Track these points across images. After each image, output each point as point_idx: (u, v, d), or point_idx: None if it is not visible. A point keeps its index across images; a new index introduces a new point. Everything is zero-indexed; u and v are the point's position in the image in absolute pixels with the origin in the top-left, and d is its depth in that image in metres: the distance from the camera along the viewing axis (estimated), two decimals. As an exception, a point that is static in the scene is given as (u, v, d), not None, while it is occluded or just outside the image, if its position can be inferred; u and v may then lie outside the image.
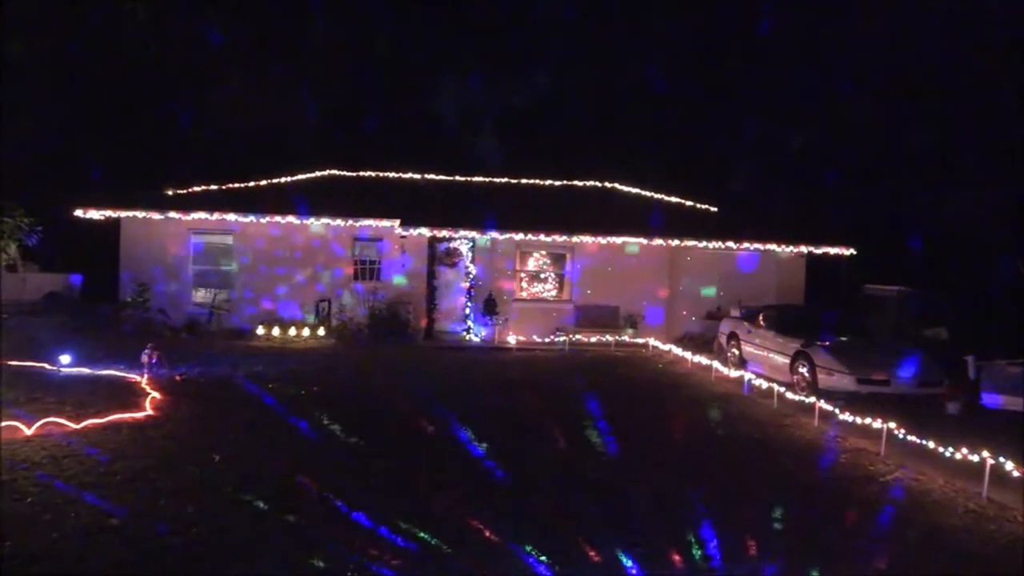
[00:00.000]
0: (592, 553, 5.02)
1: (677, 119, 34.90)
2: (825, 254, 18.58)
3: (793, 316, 13.89)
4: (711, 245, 18.07)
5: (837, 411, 9.21)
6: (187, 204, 17.36)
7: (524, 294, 18.95)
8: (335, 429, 8.30)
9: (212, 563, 4.63)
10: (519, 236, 18.01)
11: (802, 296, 18.98)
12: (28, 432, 7.35)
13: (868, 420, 8.57)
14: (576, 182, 23.07)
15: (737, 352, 14.39)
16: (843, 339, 11.92)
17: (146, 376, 10.60)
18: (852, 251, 18.52)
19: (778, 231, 19.04)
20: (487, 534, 5.30)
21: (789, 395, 10.65)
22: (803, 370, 11.74)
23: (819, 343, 11.72)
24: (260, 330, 16.57)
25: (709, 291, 18.72)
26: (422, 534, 5.19)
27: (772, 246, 18.27)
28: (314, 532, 5.19)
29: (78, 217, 16.61)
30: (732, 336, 14.74)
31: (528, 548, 5.02)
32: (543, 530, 5.39)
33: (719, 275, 18.74)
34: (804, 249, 18.55)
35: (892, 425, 8.19)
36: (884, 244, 22.18)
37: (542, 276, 19.07)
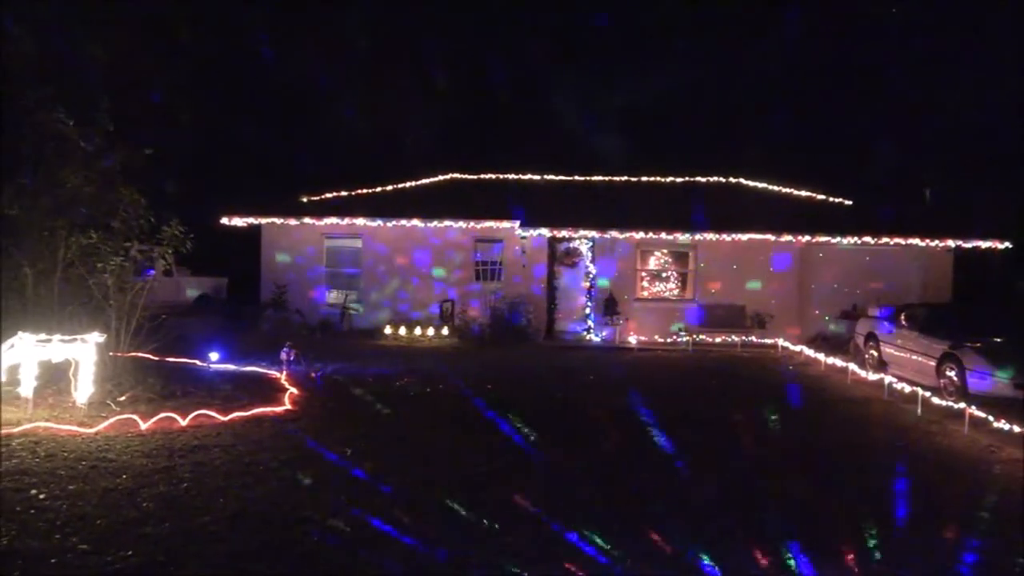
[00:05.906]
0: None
1: (806, 109, 33.29)
2: (975, 248, 17.17)
3: (939, 315, 12.92)
4: (846, 240, 17.12)
5: (991, 418, 8.49)
6: (320, 210, 18.35)
7: (645, 293, 18.67)
8: (461, 426, 8.49)
9: (344, 554, 4.84)
10: (640, 235, 17.76)
11: (949, 294, 17.64)
12: (183, 423, 8.02)
13: (1028, 429, 7.87)
14: (699, 178, 22.46)
15: (876, 354, 13.54)
16: (997, 340, 10.93)
17: (285, 372, 11.29)
18: (1007, 244, 17.02)
19: (922, 224, 17.78)
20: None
21: (935, 400, 9.93)
22: (951, 374, 10.90)
23: (969, 344, 10.82)
24: (387, 330, 17.23)
25: (842, 289, 17.74)
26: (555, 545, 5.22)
27: (915, 240, 17.08)
28: (439, 529, 5.32)
29: (223, 224, 17.96)
30: (870, 337, 13.89)
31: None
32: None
33: (855, 272, 17.74)
34: (951, 243, 17.22)
35: (1057, 435, 7.46)
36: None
37: (663, 275, 18.72)
